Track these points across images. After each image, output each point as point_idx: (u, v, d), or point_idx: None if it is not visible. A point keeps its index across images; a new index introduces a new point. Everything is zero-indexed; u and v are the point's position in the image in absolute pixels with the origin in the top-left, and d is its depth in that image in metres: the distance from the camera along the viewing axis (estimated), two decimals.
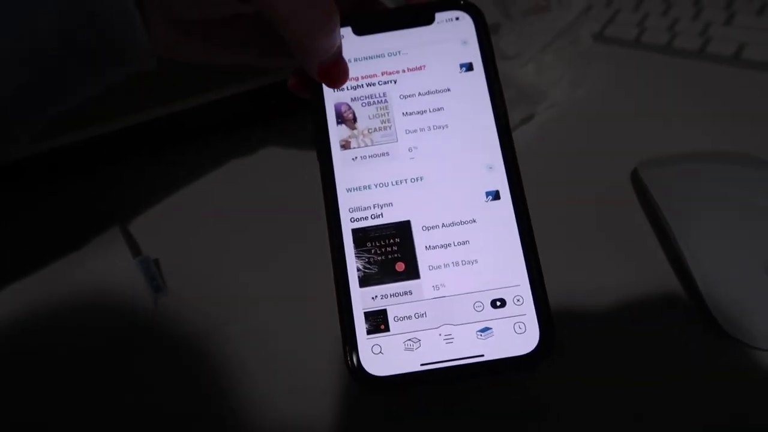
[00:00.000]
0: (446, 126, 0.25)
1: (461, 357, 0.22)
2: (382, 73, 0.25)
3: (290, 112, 0.38)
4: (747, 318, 0.24)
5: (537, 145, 0.34)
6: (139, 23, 0.23)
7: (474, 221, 0.23)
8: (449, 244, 0.23)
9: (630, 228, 0.29)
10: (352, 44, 0.26)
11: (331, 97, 0.25)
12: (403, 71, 0.25)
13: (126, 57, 0.23)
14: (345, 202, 0.24)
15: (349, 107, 0.25)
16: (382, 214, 0.24)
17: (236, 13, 0.24)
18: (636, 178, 0.30)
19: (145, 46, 0.23)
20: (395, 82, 0.25)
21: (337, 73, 0.24)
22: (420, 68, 0.25)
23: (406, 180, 0.24)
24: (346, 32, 0.26)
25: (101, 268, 0.29)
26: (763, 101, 0.35)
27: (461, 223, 0.23)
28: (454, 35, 0.26)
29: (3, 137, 0.23)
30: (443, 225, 0.23)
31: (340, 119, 0.25)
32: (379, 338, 0.22)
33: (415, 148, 0.24)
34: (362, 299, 0.23)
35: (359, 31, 0.26)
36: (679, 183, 0.28)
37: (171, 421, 0.24)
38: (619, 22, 0.44)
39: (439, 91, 0.25)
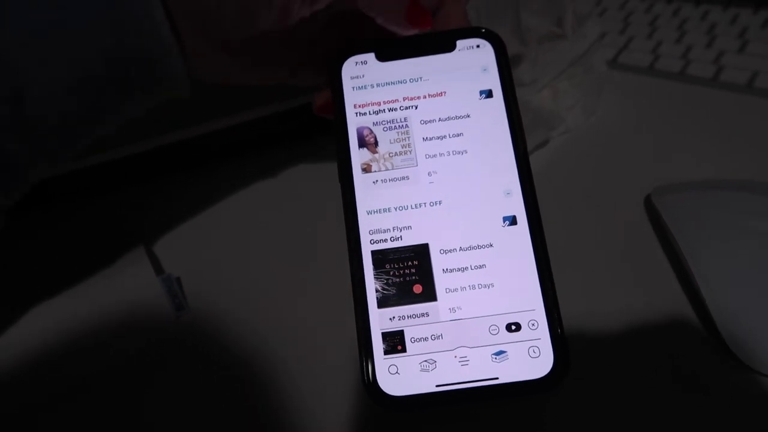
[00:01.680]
0: (465, 151, 0.25)
1: (476, 379, 0.22)
2: (404, 99, 0.26)
3: (310, 136, 0.39)
4: (759, 345, 0.25)
5: (551, 169, 0.34)
6: (176, 52, 0.23)
7: (491, 245, 0.24)
8: (466, 268, 0.24)
9: (643, 254, 0.29)
10: (375, 70, 0.27)
11: (353, 121, 0.26)
12: (424, 97, 0.26)
13: (162, 85, 0.24)
14: (365, 224, 0.25)
15: (371, 131, 0.26)
16: (401, 236, 0.24)
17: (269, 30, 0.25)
18: (650, 205, 0.30)
19: (181, 74, 0.24)
20: (416, 108, 0.26)
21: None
22: (441, 94, 0.26)
23: (425, 204, 0.25)
24: (369, 58, 0.27)
25: (124, 286, 0.29)
26: None
27: (478, 247, 0.24)
28: (474, 62, 0.26)
29: (42, 163, 0.24)
30: (461, 249, 0.24)
31: (362, 143, 0.26)
32: (396, 359, 0.23)
33: (435, 172, 0.25)
34: (380, 320, 0.23)
35: (382, 58, 0.27)
36: (692, 210, 0.29)
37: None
38: (633, 49, 0.45)
39: (459, 117, 0.26)
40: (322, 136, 0.38)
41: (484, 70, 0.26)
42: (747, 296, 0.25)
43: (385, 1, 0.27)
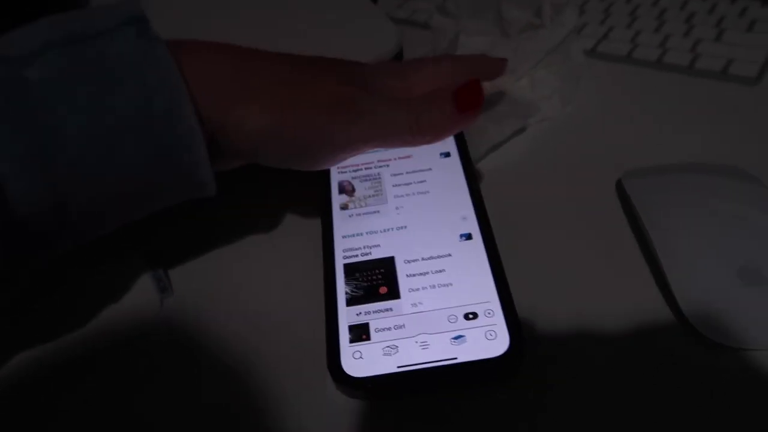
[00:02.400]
0: (428, 192, 0.30)
1: (436, 359, 0.23)
2: (378, 161, 0.32)
3: None
4: (720, 320, 0.25)
5: (528, 156, 0.35)
6: (210, 174, 0.24)
7: (450, 255, 0.27)
8: (427, 272, 0.26)
9: (613, 237, 0.30)
10: None
11: (335, 177, 0.31)
12: (395, 159, 0.32)
13: (192, 193, 0.25)
14: (340, 245, 0.28)
15: (350, 182, 0.31)
16: (371, 252, 0.28)
17: None
18: (620, 188, 0.31)
19: (211, 184, 0.25)
20: (388, 166, 0.31)
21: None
22: (408, 156, 0.32)
23: (392, 228, 0.28)
24: None
25: (108, 269, 0.29)
26: (748, 114, 0.36)
27: (438, 256, 0.27)
28: None
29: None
30: (422, 258, 0.27)
31: (342, 190, 0.31)
32: (361, 346, 0.24)
33: (402, 207, 0.29)
34: (348, 316, 0.25)
35: None
36: (659, 192, 0.30)
37: (177, 421, 0.25)
38: (612, 39, 0.45)
39: (423, 170, 0.31)
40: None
41: (443, 141, 0.32)
42: (708, 274, 0.26)
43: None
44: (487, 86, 0.37)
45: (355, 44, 0.38)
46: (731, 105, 0.37)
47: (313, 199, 0.31)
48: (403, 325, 0.25)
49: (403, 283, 0.26)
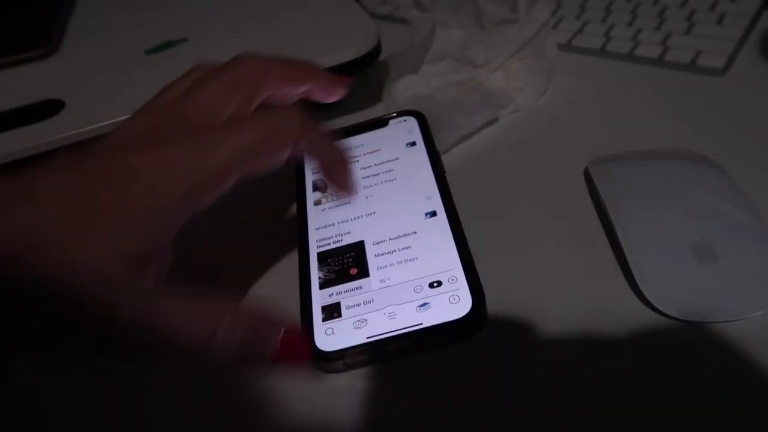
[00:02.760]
0: (395, 179, 0.31)
1: (403, 327, 0.24)
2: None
3: None
4: (673, 294, 0.25)
5: (499, 145, 0.36)
6: None
7: (415, 232, 0.28)
8: (394, 250, 0.27)
9: (578, 219, 0.30)
10: None
11: (310, 177, 0.33)
12: (364, 155, 0.33)
13: None
14: (313, 236, 0.30)
15: (323, 181, 0.33)
16: (342, 239, 0.29)
17: None
18: (587, 175, 0.32)
19: None
20: (358, 161, 0.33)
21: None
22: (376, 150, 0.33)
23: (362, 215, 0.30)
24: None
25: None
26: (715, 105, 0.37)
27: (404, 235, 0.28)
28: (402, 129, 0.34)
29: None
30: (390, 239, 0.28)
31: (315, 188, 0.32)
32: (332, 323, 0.25)
33: (371, 195, 0.31)
34: (321, 298, 0.26)
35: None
36: (622, 177, 0.30)
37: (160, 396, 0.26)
38: (586, 33, 0.46)
39: (390, 161, 0.32)
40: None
41: (410, 132, 0.34)
42: (663, 251, 0.27)
43: None
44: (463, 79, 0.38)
45: (333, 40, 0.39)
46: (699, 96, 0.38)
47: (291, 198, 0.33)
48: (372, 300, 0.26)
49: (372, 263, 0.27)
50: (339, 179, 0.26)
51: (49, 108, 0.38)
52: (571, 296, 0.26)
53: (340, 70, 0.37)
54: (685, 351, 0.24)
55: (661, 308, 0.25)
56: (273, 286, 0.30)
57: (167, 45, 0.42)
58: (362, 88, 0.41)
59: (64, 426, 0.26)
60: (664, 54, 0.42)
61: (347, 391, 0.25)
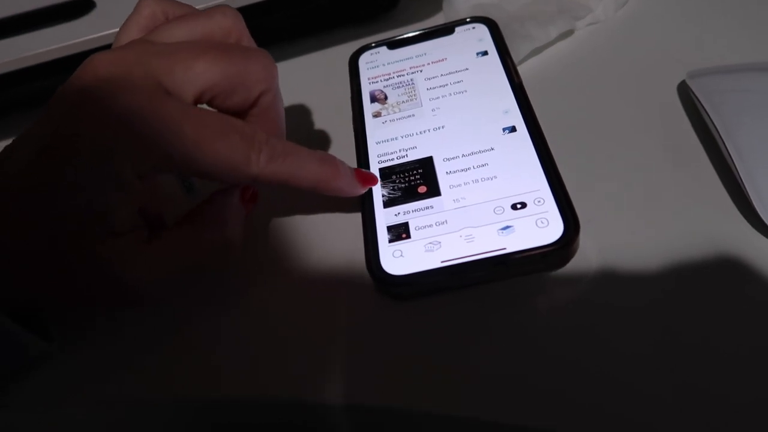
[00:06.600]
0: (465, 91, 0.28)
1: (482, 251, 0.21)
2: (410, 68, 0.30)
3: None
4: None
5: (574, 60, 0.32)
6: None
7: (492, 149, 0.25)
8: (469, 168, 0.24)
9: (676, 139, 0.27)
10: (386, 55, 0.31)
11: (367, 88, 0.30)
12: (428, 64, 0.30)
13: None
14: (374, 150, 0.26)
15: (382, 91, 0.29)
16: (407, 155, 0.26)
17: None
18: (683, 90, 0.28)
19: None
20: (421, 71, 0.29)
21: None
22: (442, 60, 0.30)
23: (429, 129, 0.26)
24: (382, 50, 0.32)
25: None
26: None
27: (480, 151, 0.25)
28: (471, 37, 0.30)
29: None
30: (463, 155, 0.25)
31: (374, 99, 0.29)
32: (401, 244, 0.22)
33: (438, 108, 0.27)
34: (386, 217, 0.24)
35: (393, 47, 0.31)
36: (729, 90, 0.27)
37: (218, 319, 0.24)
38: None
39: (459, 71, 0.29)
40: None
41: (480, 40, 0.30)
42: None
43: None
44: None
45: None
46: None
47: (347, 109, 0.30)
48: (446, 221, 0.23)
49: (444, 181, 0.24)
50: (337, 188, 0.24)
51: (80, 7, 0.35)
52: (672, 221, 0.23)
53: None
54: None
55: None
56: (332, 205, 0.27)
57: None
58: None
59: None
60: None
61: (418, 320, 0.22)
